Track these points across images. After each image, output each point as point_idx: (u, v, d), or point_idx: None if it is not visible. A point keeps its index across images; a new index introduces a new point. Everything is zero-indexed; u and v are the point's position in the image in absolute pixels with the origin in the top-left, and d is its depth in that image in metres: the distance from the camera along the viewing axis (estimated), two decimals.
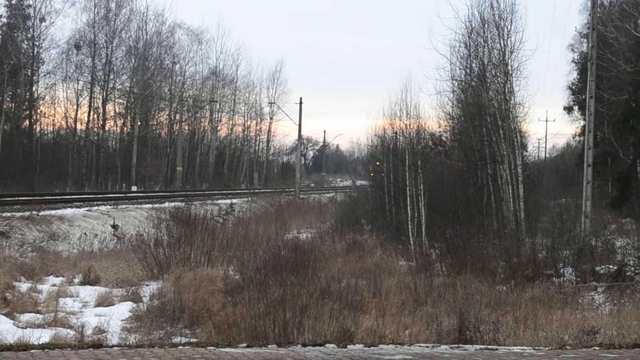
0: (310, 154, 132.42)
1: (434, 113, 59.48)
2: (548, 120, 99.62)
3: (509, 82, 28.84)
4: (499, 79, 29.60)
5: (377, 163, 41.14)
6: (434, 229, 26.89)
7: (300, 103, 77.81)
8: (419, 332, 14.30)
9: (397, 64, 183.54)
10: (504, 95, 28.87)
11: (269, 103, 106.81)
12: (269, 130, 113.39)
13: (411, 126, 33.33)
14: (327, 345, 11.40)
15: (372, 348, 11.26)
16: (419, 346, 11.64)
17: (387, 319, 14.89)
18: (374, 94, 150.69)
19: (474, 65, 32.46)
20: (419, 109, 34.01)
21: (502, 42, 29.15)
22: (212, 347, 11.00)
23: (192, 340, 13.29)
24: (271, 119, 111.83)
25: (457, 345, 11.91)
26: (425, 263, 23.58)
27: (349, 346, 11.40)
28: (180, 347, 11.07)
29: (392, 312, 15.71)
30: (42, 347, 10.96)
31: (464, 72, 33.45)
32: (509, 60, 28.87)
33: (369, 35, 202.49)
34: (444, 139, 37.10)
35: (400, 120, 34.25)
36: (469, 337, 13.34)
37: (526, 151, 36.85)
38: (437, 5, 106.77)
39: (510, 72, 28.85)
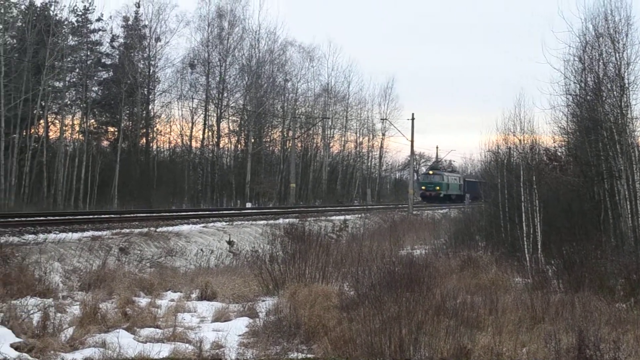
0: (423, 169, 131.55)
1: (548, 128, 58.69)
2: None
3: (625, 96, 28.26)
4: (614, 92, 29.04)
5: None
6: (549, 245, 26.50)
7: (413, 119, 77.61)
8: (537, 350, 14.12)
9: (510, 78, 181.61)
10: (620, 109, 28.30)
11: (381, 119, 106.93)
12: (381, 147, 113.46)
13: (525, 141, 32.92)
14: None
15: None
16: None
17: (503, 337, 14.73)
18: (486, 109, 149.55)
19: (588, 79, 31.91)
20: (533, 124, 33.48)
21: (617, 55, 28.60)
22: None
23: (309, 356, 13.37)
24: (383, 135, 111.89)
25: None
26: (542, 280, 23.22)
27: None
28: None
29: (508, 330, 15.52)
30: None
31: (578, 86, 32.91)
32: (625, 74, 28.31)
33: (481, 50, 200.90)
34: (558, 154, 36.54)
35: (513, 135, 33.85)
36: (588, 356, 13.12)
37: None
38: (550, 19, 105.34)
39: (626, 85, 28.28)
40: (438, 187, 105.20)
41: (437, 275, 22.02)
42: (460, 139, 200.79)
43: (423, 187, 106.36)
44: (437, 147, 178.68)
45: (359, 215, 57.66)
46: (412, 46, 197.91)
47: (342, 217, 53.22)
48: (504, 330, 15.41)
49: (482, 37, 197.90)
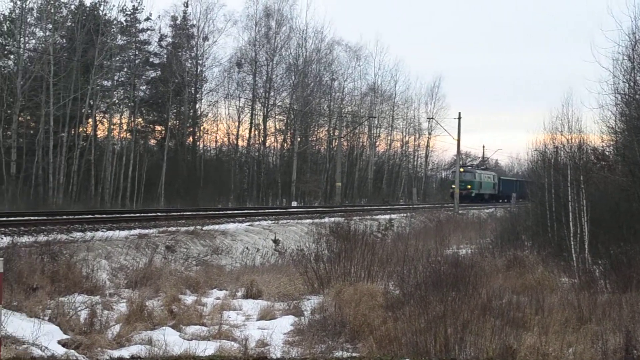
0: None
1: (596, 127, 58.13)
2: None
3: None
4: None
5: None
6: (597, 245, 26.29)
7: (459, 118, 77.30)
8: (584, 350, 14.01)
9: (557, 78, 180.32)
10: None
11: (428, 118, 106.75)
12: (427, 146, 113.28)
13: (573, 140, 32.66)
14: None
15: None
16: None
17: (550, 337, 14.62)
18: (533, 108, 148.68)
19: (638, 77, 31.61)
20: (581, 123, 33.21)
21: None
22: None
23: (354, 354, 13.37)
24: (429, 134, 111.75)
25: None
26: (589, 280, 23.05)
27: None
28: None
29: (555, 330, 15.41)
30: (209, 359, 11.24)
31: (627, 84, 32.59)
32: None
33: (528, 49, 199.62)
34: (606, 153, 36.21)
35: (561, 134, 33.60)
36: (636, 357, 13.01)
37: None
38: (599, 18, 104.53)
39: None
40: (469, 186, 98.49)
41: (482, 275, 21.93)
42: (508, 138, 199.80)
43: (453, 186, 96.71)
44: (483, 147, 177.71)
45: (405, 215, 57.54)
46: (459, 45, 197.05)
47: (387, 216, 53.16)
48: (550, 330, 15.31)
49: (530, 35, 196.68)
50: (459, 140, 78.33)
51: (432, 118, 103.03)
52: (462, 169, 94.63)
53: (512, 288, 21.32)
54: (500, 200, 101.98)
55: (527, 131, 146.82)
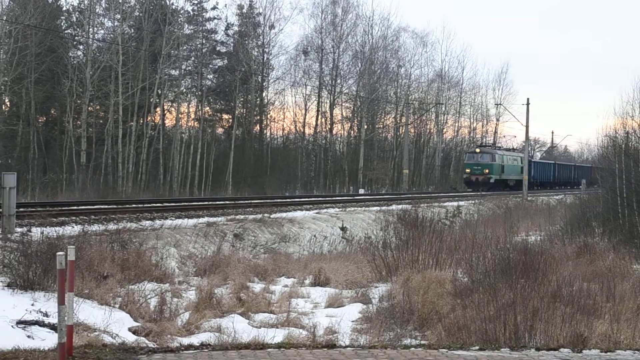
0: (538, 155, 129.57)
1: None
2: None
3: None
4: None
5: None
6: None
7: (528, 104, 76.49)
8: None
9: (629, 62, 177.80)
10: None
11: (495, 104, 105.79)
12: (495, 132, 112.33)
13: None
14: (561, 349, 11.19)
15: (608, 353, 10.98)
16: None
17: (621, 324, 14.44)
18: (603, 93, 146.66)
19: None
20: None
21: None
22: (444, 350, 11.00)
23: (423, 342, 13.31)
24: (497, 120, 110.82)
25: None
26: None
27: (584, 351, 11.15)
28: (412, 348, 11.12)
29: (627, 317, 15.22)
30: (278, 346, 11.26)
31: None
32: None
33: (597, 34, 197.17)
34: None
35: (632, 119, 33.16)
36: None
37: None
38: None
39: None
40: (487, 170, 79.81)
41: (552, 262, 21.69)
42: (577, 123, 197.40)
43: (467, 170, 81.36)
44: (552, 132, 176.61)
45: (473, 202, 57.22)
46: (527, 30, 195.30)
47: (455, 204, 52.90)
48: (622, 317, 15.12)
49: (600, 20, 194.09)
50: (527, 127, 77.58)
51: (500, 104, 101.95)
52: (477, 150, 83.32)
53: (583, 275, 21.05)
54: (534, 188, 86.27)
55: (597, 116, 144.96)
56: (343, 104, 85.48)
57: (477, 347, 11.26)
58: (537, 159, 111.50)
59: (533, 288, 15.85)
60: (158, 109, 68.44)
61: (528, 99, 76.74)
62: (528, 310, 13.89)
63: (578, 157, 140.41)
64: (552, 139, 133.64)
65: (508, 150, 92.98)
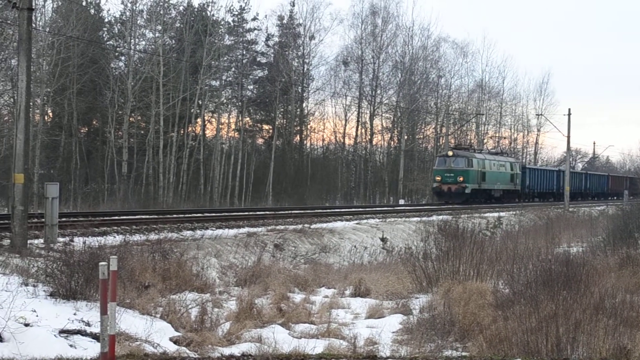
0: (579, 165, 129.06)
1: None
2: None
3: None
4: None
5: None
6: None
7: (569, 114, 76.00)
8: None
9: None
10: None
11: (536, 115, 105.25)
12: (537, 142, 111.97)
13: None
14: None
15: None
16: None
17: None
18: None
19: None
20: None
21: None
22: None
23: (464, 354, 13.25)
24: (538, 130, 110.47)
25: None
26: None
27: None
28: None
29: None
30: (319, 357, 11.26)
31: None
32: None
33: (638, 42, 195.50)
34: None
35: None
36: None
37: None
38: None
39: None
40: (461, 178, 65.50)
41: (594, 274, 21.51)
42: (619, 133, 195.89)
43: (438, 178, 66.49)
44: (594, 143, 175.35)
45: (514, 213, 56.93)
46: (568, 41, 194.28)
47: (495, 214, 52.62)
48: None
49: None
50: (568, 137, 77.05)
51: (541, 114, 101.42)
52: (450, 153, 67.50)
53: (626, 287, 20.85)
54: (525, 200, 77.32)
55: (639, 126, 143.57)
56: (383, 115, 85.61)
57: (518, 359, 11.19)
58: (578, 169, 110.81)
59: (575, 300, 15.71)
60: (199, 120, 68.79)
61: (569, 109, 76.31)
62: (570, 322, 13.77)
63: (620, 168, 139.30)
64: (594, 149, 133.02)
65: (493, 153, 78.07)
